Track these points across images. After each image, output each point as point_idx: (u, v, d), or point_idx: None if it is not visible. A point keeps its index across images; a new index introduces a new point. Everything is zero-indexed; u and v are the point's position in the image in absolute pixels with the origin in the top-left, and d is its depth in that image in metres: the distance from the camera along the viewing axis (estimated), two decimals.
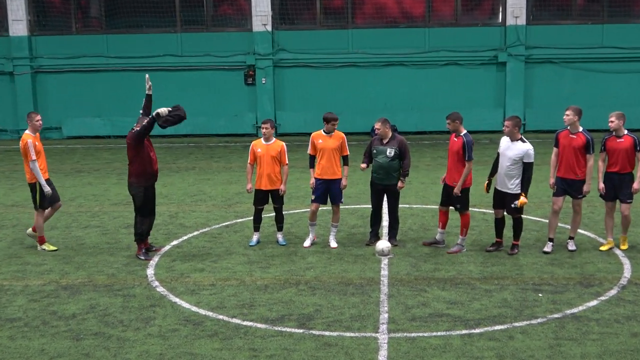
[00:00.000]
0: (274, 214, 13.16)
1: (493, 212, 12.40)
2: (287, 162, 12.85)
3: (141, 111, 12.55)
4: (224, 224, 14.69)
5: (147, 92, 12.64)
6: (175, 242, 13.35)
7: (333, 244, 12.78)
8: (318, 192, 12.69)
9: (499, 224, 12.30)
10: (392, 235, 12.93)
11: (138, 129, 11.88)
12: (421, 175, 19.67)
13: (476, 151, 24.34)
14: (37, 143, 12.60)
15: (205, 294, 10.53)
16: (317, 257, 12.25)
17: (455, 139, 12.18)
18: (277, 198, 12.92)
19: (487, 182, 12.35)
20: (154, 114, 11.86)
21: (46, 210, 12.97)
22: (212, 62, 28.80)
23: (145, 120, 11.92)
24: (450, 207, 12.52)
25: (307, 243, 12.82)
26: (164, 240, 13.45)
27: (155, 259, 12.31)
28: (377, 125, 12.70)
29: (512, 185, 11.83)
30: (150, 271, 11.66)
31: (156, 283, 11.07)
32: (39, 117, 12.78)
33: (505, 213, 12.16)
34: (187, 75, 28.95)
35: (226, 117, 29.03)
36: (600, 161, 12.24)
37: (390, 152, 12.59)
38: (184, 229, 14.33)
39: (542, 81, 28.31)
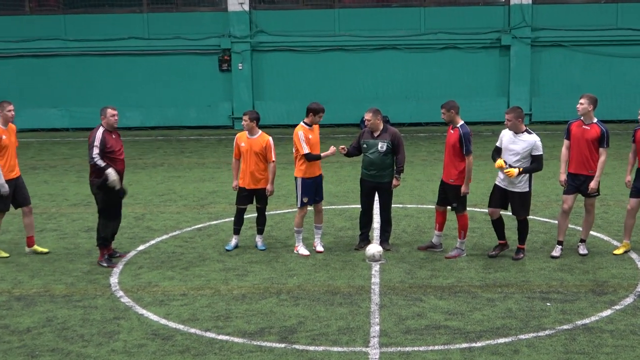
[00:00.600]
0: (255, 214, 13.15)
1: (488, 212, 12.31)
2: (274, 158, 12.82)
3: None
4: (196, 226, 14.66)
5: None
6: (141, 247, 13.32)
7: (319, 247, 12.79)
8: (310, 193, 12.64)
9: (498, 225, 12.31)
10: (384, 239, 12.95)
11: (92, 153, 11.84)
12: (416, 171, 19.71)
13: (477, 144, 24.53)
14: (4, 137, 12.42)
15: (176, 305, 10.51)
16: (301, 263, 12.25)
17: (452, 131, 12.20)
18: (262, 198, 12.93)
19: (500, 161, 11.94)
20: (107, 171, 11.80)
21: (23, 215, 12.91)
22: (182, 45, 28.73)
23: (101, 164, 11.85)
24: (449, 207, 12.55)
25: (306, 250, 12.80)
26: (129, 245, 13.41)
27: (120, 266, 12.28)
28: (368, 117, 12.63)
29: (520, 183, 11.87)
30: (113, 280, 11.62)
31: (120, 293, 11.04)
32: (11, 107, 12.48)
33: (500, 213, 12.16)
34: (155, 60, 28.88)
35: (198, 107, 28.98)
36: (630, 153, 12.29)
37: (382, 146, 12.57)
38: (152, 232, 14.29)
39: (550, 67, 28.43)
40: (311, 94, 28.45)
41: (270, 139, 12.83)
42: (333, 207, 15.82)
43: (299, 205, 12.66)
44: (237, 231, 13.06)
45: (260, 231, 13.13)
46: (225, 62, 28.73)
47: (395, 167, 12.67)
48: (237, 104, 28.59)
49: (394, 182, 12.69)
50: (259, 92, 28.91)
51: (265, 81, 28.91)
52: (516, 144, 11.81)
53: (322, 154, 12.58)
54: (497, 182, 12.18)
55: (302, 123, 12.55)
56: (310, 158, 12.49)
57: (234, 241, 13.05)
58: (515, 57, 28.16)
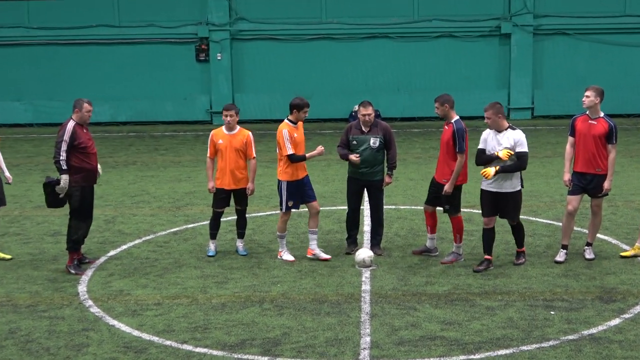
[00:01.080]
0: (235, 217, 13.14)
1: (484, 222, 12.16)
2: (254, 155, 12.82)
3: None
4: (171, 230, 14.64)
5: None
6: (112, 253, 13.29)
7: (323, 254, 12.68)
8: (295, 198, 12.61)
9: (488, 236, 12.05)
10: (375, 243, 12.97)
11: (59, 150, 11.84)
12: (410, 170, 19.74)
13: (475, 140, 24.39)
14: None
15: (150, 315, 10.49)
16: (285, 269, 12.25)
17: (447, 127, 12.22)
18: (242, 199, 12.92)
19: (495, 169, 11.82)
20: (62, 176, 11.86)
21: None
22: (156, 34, 28.70)
23: (62, 166, 11.88)
24: (438, 208, 12.56)
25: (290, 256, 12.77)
26: (98, 251, 13.37)
27: (89, 273, 12.24)
28: (365, 111, 12.57)
29: (511, 181, 11.79)
30: (82, 288, 11.59)
31: (89, 302, 11.01)
32: None
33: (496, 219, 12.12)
34: (126, 50, 28.83)
35: (174, 100, 28.95)
36: None
37: (374, 142, 12.58)
38: (123, 236, 14.26)
39: (553, 57, 28.54)
40: (296, 87, 28.46)
41: (250, 134, 12.84)
42: (320, 208, 15.80)
43: (282, 210, 12.61)
44: (214, 236, 13.06)
45: (241, 235, 13.12)
46: (202, 51, 28.71)
47: (387, 164, 12.71)
48: (215, 97, 28.57)
49: (386, 179, 12.74)
50: (239, 84, 28.91)
51: (246, 72, 28.90)
52: (501, 143, 11.72)
53: (307, 155, 12.49)
54: (483, 187, 11.95)
55: (286, 120, 12.45)
56: (294, 159, 12.38)
57: (213, 246, 13.03)
58: (516, 46, 28.26)
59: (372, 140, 12.56)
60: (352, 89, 28.26)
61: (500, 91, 28.47)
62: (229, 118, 12.65)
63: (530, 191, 16.98)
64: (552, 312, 10.32)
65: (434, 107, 12.28)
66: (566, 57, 28.46)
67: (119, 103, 28.97)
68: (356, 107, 27.07)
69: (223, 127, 12.81)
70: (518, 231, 12.15)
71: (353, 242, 13.06)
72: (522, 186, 11.93)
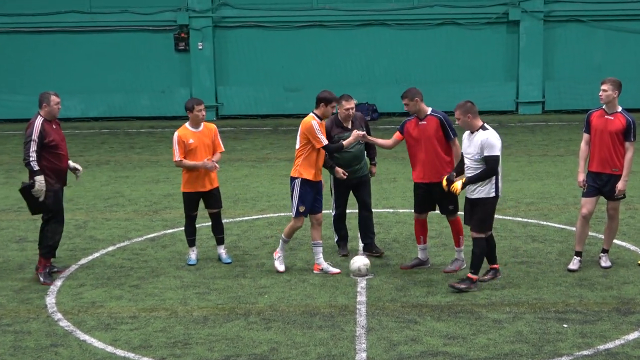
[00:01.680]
0: (210, 222, 13.17)
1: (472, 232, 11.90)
2: (223, 148, 12.97)
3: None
4: (148, 236, 14.64)
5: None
6: (83, 261, 13.28)
7: (331, 268, 12.50)
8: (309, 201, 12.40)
9: (487, 244, 11.87)
10: (370, 242, 13.20)
11: (28, 151, 11.85)
12: (409, 170, 19.57)
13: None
14: None
15: (125, 330, 10.49)
16: (273, 279, 12.25)
17: (424, 122, 12.20)
18: (217, 200, 12.96)
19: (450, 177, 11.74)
20: (37, 178, 11.87)
21: None
22: (131, 21, 28.68)
23: (34, 167, 11.89)
24: (431, 212, 12.59)
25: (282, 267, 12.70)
26: (68, 259, 13.37)
27: (57, 283, 12.23)
28: (349, 105, 12.74)
29: (485, 190, 11.57)
30: (50, 299, 11.58)
31: (59, 315, 11.00)
32: None
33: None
34: (98, 38, 28.80)
35: (151, 93, 28.94)
36: None
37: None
38: (95, 243, 14.26)
39: (566, 46, 28.60)
40: (284, 79, 28.50)
41: (215, 126, 12.95)
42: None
43: (294, 215, 12.37)
44: (193, 242, 13.08)
45: (221, 241, 13.13)
46: (182, 40, 28.70)
47: (368, 154, 13.18)
48: (196, 90, 28.56)
49: (373, 170, 13.24)
50: (222, 76, 28.91)
51: (230, 63, 28.90)
52: (470, 145, 11.55)
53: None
54: (466, 194, 11.82)
55: (312, 114, 12.28)
56: (330, 150, 12.27)
57: (193, 254, 13.04)
58: (525, 34, 28.30)
59: None
60: (346, 81, 28.27)
61: (507, 83, 28.54)
62: (204, 112, 12.71)
63: (542, 193, 17.03)
64: (565, 325, 10.35)
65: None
66: (580, 46, 28.52)
67: (91, 97, 28.94)
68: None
69: (187, 125, 12.74)
70: (477, 250, 11.60)
71: (344, 241, 13.26)
72: (497, 193, 11.56)
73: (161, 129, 27.09)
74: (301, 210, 12.24)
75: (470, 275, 11.60)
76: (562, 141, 23.49)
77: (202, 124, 12.77)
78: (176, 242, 14.17)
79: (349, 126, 12.79)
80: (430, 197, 12.41)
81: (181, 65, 28.86)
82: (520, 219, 15.08)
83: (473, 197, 11.52)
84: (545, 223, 14.86)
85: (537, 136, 24.30)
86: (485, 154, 11.30)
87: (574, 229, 13.76)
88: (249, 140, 24.19)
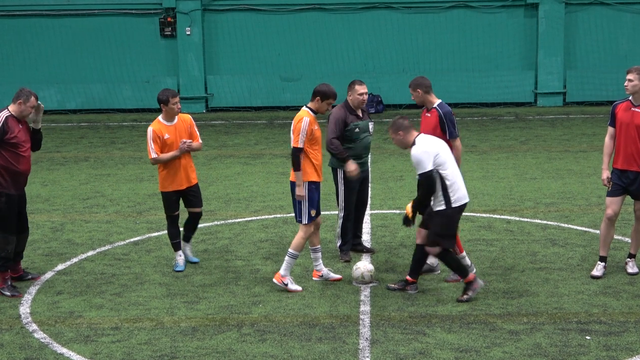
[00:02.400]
0: (188, 219, 13.28)
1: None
2: (200, 139, 13.07)
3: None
4: (131, 239, 14.66)
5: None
6: (60, 267, 13.30)
7: (332, 274, 12.50)
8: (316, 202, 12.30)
9: (418, 254, 11.98)
10: (360, 242, 13.59)
11: None
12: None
13: (496, 132, 24.64)
14: None
15: (106, 342, 10.51)
16: (268, 286, 12.28)
17: (428, 115, 12.35)
18: (198, 198, 13.07)
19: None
20: None
21: None
22: (113, 4, 28.68)
23: None
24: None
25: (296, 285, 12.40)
26: (44, 265, 13.38)
27: (32, 291, 12.25)
28: (363, 89, 13.02)
29: (435, 202, 11.67)
30: (24, 309, 11.60)
31: (34, 326, 11.02)
32: None
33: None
34: (77, 23, 28.80)
35: (134, 84, 28.94)
36: None
37: (371, 126, 13.21)
38: (74, 247, 14.28)
39: (589, 31, 28.60)
40: (280, 68, 28.50)
41: (189, 116, 13.09)
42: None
43: (306, 222, 12.14)
44: (179, 246, 13.14)
45: (188, 238, 13.33)
46: (168, 25, 28.70)
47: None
48: (184, 80, 28.58)
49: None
50: (212, 64, 28.92)
51: (221, 50, 28.91)
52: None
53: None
54: None
55: (306, 109, 12.17)
56: (296, 154, 12.06)
57: (181, 259, 13.07)
58: (544, 18, 28.32)
59: (370, 125, 13.14)
60: (349, 70, 28.27)
61: (525, 73, 28.55)
62: (179, 105, 12.80)
63: (562, 192, 17.06)
64: (587, 337, 10.38)
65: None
66: (605, 32, 28.53)
67: (68, 87, 28.94)
68: None
69: (161, 119, 12.84)
70: (419, 256, 11.87)
71: (349, 246, 13.37)
72: (447, 206, 11.50)
73: (145, 122, 27.08)
74: (312, 215, 12.11)
75: (409, 278, 11.88)
76: (584, 136, 23.53)
77: (176, 116, 12.87)
78: (162, 246, 14.18)
79: (361, 114, 13.06)
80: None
81: (167, 52, 28.87)
82: (539, 221, 15.10)
83: (432, 207, 11.69)
84: (566, 225, 14.89)
85: (557, 130, 24.33)
86: (417, 172, 11.48)
87: (597, 232, 13.79)
88: (242, 135, 24.21)
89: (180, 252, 13.12)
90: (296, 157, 11.91)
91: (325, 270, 12.45)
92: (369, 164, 13.42)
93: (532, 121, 26.00)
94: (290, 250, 12.00)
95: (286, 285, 12.00)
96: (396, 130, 11.55)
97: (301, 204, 12.03)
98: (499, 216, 15.51)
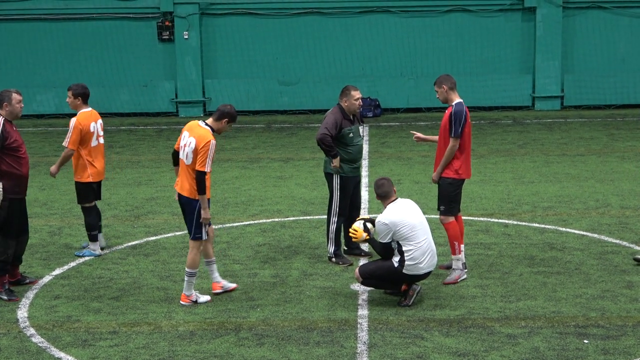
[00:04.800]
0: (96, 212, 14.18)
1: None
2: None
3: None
4: (129, 243, 14.65)
5: None
6: (58, 271, 13.29)
7: (230, 284, 12.38)
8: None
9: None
10: (357, 246, 13.65)
11: None
12: (415, 171, 19.79)
13: (494, 135, 24.63)
14: None
15: (104, 346, 10.51)
16: (266, 291, 12.28)
17: (447, 112, 12.51)
18: (99, 190, 14.35)
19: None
20: None
21: None
22: (110, 8, 28.67)
23: None
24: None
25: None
26: (42, 269, 13.38)
27: (30, 295, 12.25)
28: (358, 94, 13.19)
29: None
30: (22, 313, 11.59)
31: (31, 331, 11.02)
32: None
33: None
34: (74, 27, 28.78)
35: (131, 88, 28.92)
36: None
37: (363, 129, 13.68)
38: (71, 251, 14.26)
39: (586, 35, 28.59)
40: (278, 72, 28.49)
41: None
42: (308, 218, 15.86)
43: (204, 238, 11.85)
44: (96, 237, 14.06)
45: (100, 229, 14.23)
46: (166, 29, 28.69)
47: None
48: (182, 84, 28.57)
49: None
50: (210, 68, 28.91)
51: (219, 54, 28.90)
52: None
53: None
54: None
55: (207, 127, 11.69)
56: (204, 181, 11.72)
57: (98, 249, 14.06)
58: (542, 22, 28.31)
59: (361, 129, 13.43)
60: (346, 74, 28.26)
61: (523, 76, 28.53)
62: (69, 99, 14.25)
63: (560, 196, 17.06)
64: (585, 341, 10.38)
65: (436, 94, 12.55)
66: (602, 36, 28.51)
67: (65, 91, 28.70)
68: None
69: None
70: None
71: (341, 250, 13.54)
72: (399, 267, 11.49)
73: (143, 126, 27.11)
74: (207, 231, 11.91)
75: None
76: (582, 139, 23.52)
77: (89, 108, 14.18)
78: (160, 250, 14.18)
79: (353, 118, 13.25)
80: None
81: (165, 56, 28.85)
82: (537, 225, 15.11)
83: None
84: (564, 229, 14.89)
85: (555, 134, 24.32)
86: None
87: (595, 235, 13.80)
88: (240, 139, 24.20)
89: (96, 243, 13.96)
90: (203, 180, 11.52)
91: (224, 282, 12.29)
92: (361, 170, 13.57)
93: (530, 125, 25.99)
94: (187, 269, 11.77)
95: (195, 301, 11.80)
96: (376, 191, 11.81)
97: (195, 219, 11.72)
98: (496, 220, 15.51)
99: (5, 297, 12.08)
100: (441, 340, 10.48)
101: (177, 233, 14.75)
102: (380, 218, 11.53)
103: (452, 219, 12.47)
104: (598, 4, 28.36)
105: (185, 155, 11.60)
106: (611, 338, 10.45)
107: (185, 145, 11.59)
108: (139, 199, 17.72)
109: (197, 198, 11.60)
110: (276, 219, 15.76)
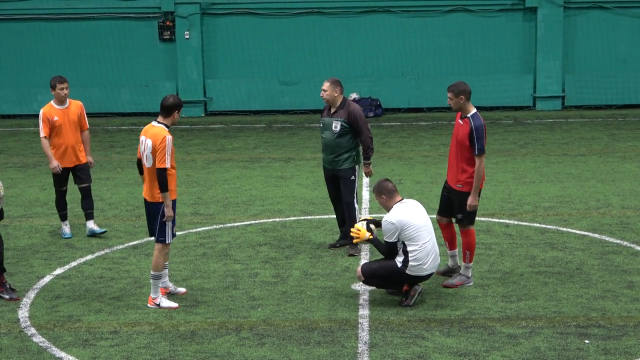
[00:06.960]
0: (82, 197, 14.92)
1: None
2: (88, 125, 15.03)
3: None
4: (130, 243, 14.65)
5: None
6: (59, 271, 13.29)
7: (179, 289, 12.31)
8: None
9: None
10: (343, 236, 13.84)
11: None
12: (416, 171, 19.78)
13: (494, 136, 24.61)
14: None
15: (104, 346, 10.51)
16: (267, 291, 12.28)
17: (461, 122, 12.23)
18: (87, 175, 14.82)
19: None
20: None
21: None
22: (111, 7, 28.66)
23: None
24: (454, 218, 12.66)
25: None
26: (43, 269, 13.38)
27: (31, 295, 12.25)
28: (325, 86, 13.51)
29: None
30: (23, 313, 11.60)
31: (32, 330, 11.02)
32: None
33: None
34: (75, 26, 28.77)
35: (132, 88, 28.91)
36: None
37: (335, 125, 13.48)
38: (73, 251, 14.27)
39: (588, 35, 28.57)
40: (279, 71, 28.48)
41: (81, 102, 14.71)
42: (309, 217, 15.87)
43: (169, 241, 11.83)
44: (65, 216, 15.01)
45: (91, 216, 14.91)
46: (167, 29, 28.69)
47: (362, 152, 13.67)
48: (182, 84, 28.55)
49: (365, 169, 13.74)
50: (211, 68, 28.90)
51: (220, 54, 28.89)
52: None
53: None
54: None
55: (160, 125, 12.06)
56: (165, 177, 11.80)
57: (67, 228, 14.94)
58: (543, 22, 28.30)
59: (333, 124, 13.50)
60: (348, 74, 28.22)
61: (524, 76, 28.52)
62: (66, 90, 14.59)
63: (561, 196, 17.05)
64: (586, 341, 10.38)
65: (447, 97, 12.32)
66: (603, 36, 28.50)
67: None
68: (353, 95, 27.12)
69: (53, 103, 14.74)
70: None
71: (342, 237, 13.87)
72: (403, 267, 11.54)
73: (143, 126, 27.06)
74: (174, 233, 11.91)
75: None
76: (583, 139, 23.51)
77: (68, 101, 14.65)
78: None
79: (333, 112, 13.57)
80: (450, 201, 12.47)
81: (166, 56, 28.84)
82: (538, 225, 15.10)
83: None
84: (565, 229, 14.89)
85: (556, 134, 24.31)
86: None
87: (596, 235, 13.81)
88: (241, 139, 24.19)
89: (66, 222, 14.90)
90: (164, 177, 11.53)
91: (172, 286, 12.22)
92: (343, 166, 13.60)
93: (531, 125, 25.98)
94: (152, 272, 11.71)
95: (159, 305, 11.72)
96: (379, 193, 11.82)
97: (165, 223, 11.71)
98: (497, 220, 15.51)
99: (6, 297, 12.08)
100: (442, 340, 10.48)
101: (178, 233, 14.75)
102: (388, 217, 11.55)
103: (472, 227, 12.37)
104: (599, 4, 28.35)
105: (145, 159, 11.77)
106: (612, 338, 10.45)
107: (144, 150, 11.79)
108: (140, 199, 17.66)
109: (161, 201, 11.59)
110: (277, 219, 15.77)
